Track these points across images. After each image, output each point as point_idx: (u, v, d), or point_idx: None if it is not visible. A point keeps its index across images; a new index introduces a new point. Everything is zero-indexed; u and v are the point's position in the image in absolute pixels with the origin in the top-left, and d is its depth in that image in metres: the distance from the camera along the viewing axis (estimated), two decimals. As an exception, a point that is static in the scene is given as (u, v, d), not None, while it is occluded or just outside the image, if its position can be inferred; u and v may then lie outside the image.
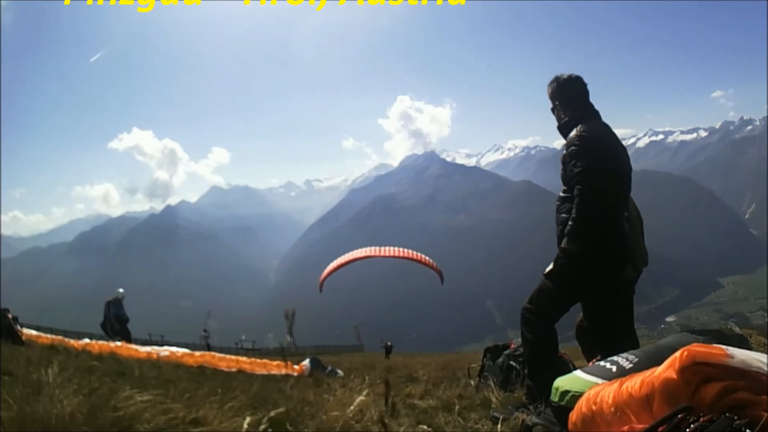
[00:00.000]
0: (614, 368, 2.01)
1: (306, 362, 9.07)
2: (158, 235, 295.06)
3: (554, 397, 2.13)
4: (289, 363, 9.06)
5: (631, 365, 1.97)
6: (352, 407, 1.96)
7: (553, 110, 3.35)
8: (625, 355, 2.09)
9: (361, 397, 1.98)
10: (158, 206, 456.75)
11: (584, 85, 3.27)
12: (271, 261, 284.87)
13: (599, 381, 1.96)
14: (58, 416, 1.82)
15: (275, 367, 8.84)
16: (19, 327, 9.26)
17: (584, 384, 2.01)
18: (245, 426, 1.66)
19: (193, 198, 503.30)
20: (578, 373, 2.14)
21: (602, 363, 2.13)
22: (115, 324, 13.91)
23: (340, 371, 9.10)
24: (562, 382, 2.13)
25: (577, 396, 1.99)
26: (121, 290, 14.62)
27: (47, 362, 2.67)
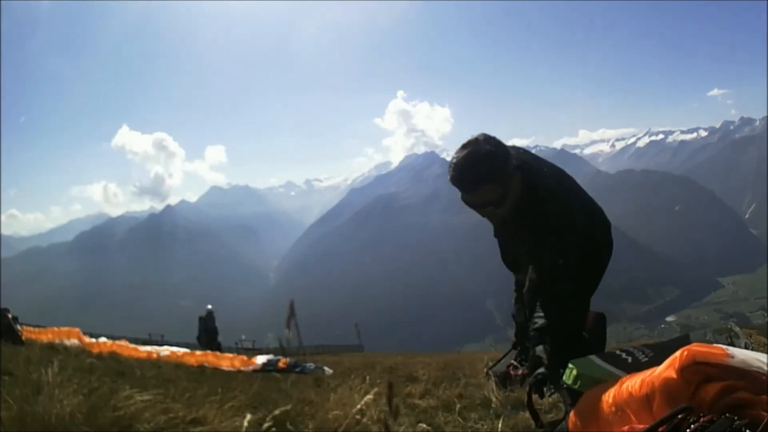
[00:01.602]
0: (629, 359, 2.00)
1: (260, 358, 9.91)
2: (158, 234, 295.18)
3: (568, 379, 2.12)
4: (247, 358, 9.95)
5: (646, 359, 1.96)
6: (356, 408, 1.96)
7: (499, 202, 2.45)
8: (641, 348, 2.08)
9: (368, 396, 1.99)
10: (158, 206, 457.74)
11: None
12: (271, 261, 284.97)
13: (613, 369, 1.96)
14: (58, 416, 1.82)
15: (239, 362, 9.63)
16: (19, 327, 9.28)
17: (598, 370, 2.01)
18: (245, 425, 1.67)
19: (192, 198, 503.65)
20: (594, 358, 2.13)
21: (618, 352, 2.12)
22: (204, 336, 14.95)
23: (327, 368, 9.23)
24: (577, 366, 2.13)
25: (589, 380, 2.00)
26: (209, 306, 15.79)
27: (47, 362, 2.67)
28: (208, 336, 15.27)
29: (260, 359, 9.87)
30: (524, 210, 2.47)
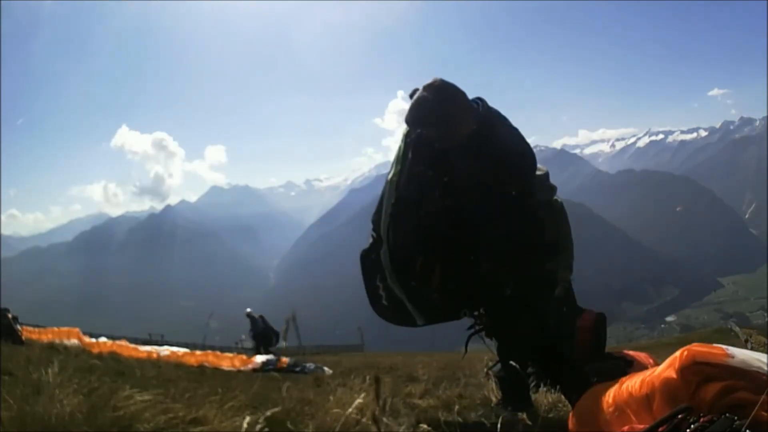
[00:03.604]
0: None
1: (259, 357, 10.34)
2: (158, 235, 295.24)
3: None
4: (246, 357, 10.34)
5: None
6: (354, 405, 1.96)
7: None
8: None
9: (359, 400, 1.99)
10: (158, 206, 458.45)
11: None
12: (271, 260, 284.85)
13: None
14: (58, 416, 1.82)
15: (239, 361, 9.84)
16: (19, 327, 9.28)
17: None
18: (245, 426, 1.66)
19: (192, 198, 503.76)
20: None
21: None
22: (259, 339, 15.05)
23: (327, 368, 9.28)
24: None
25: None
26: (248, 309, 15.91)
27: (47, 362, 2.66)
28: (260, 339, 15.12)
29: (259, 358, 9.98)
30: (475, 139, 2.61)
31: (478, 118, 2.62)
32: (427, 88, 2.58)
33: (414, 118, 2.64)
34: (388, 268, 2.77)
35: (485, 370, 4.06)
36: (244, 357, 10.67)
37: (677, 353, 1.56)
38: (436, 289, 2.73)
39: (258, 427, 1.70)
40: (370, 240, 2.90)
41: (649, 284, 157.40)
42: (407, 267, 2.76)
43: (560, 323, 2.98)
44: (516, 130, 2.69)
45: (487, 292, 2.74)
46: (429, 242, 2.72)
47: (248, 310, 15.85)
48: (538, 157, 2.81)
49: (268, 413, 1.76)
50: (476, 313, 2.90)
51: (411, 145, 2.78)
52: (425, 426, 2.03)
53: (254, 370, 9.11)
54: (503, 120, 2.71)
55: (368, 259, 2.88)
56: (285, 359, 9.79)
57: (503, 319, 2.77)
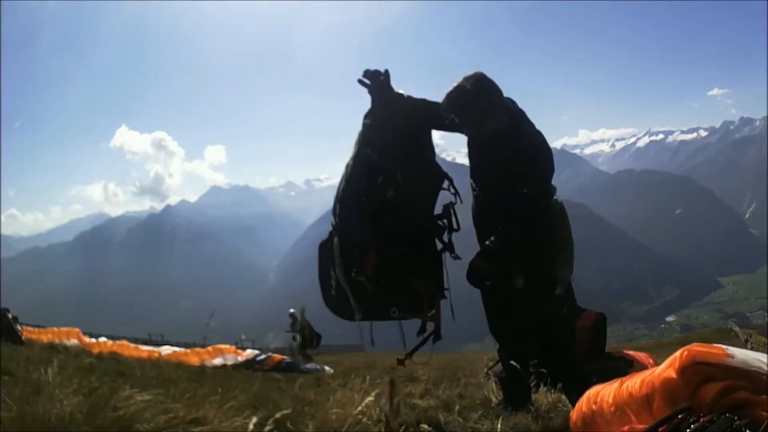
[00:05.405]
0: None
1: (251, 351, 10.65)
2: (158, 234, 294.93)
3: None
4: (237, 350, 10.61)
5: None
6: (359, 408, 1.96)
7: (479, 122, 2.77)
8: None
9: (369, 398, 1.99)
10: (158, 206, 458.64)
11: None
12: (271, 260, 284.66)
13: None
14: (58, 416, 1.82)
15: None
16: (19, 327, 9.28)
17: None
18: (251, 427, 1.66)
19: (192, 198, 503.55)
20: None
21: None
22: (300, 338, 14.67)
23: (327, 368, 9.28)
24: None
25: None
26: (291, 309, 15.45)
27: (47, 362, 2.66)
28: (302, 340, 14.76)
29: (248, 353, 10.03)
30: (502, 136, 2.72)
31: (509, 116, 2.73)
32: (466, 78, 2.67)
33: (447, 104, 2.72)
34: (337, 256, 2.74)
35: (485, 370, 4.07)
36: (233, 347, 10.80)
37: (677, 353, 1.56)
38: (369, 278, 2.68)
39: (266, 429, 1.70)
40: (330, 230, 2.83)
41: (649, 284, 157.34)
42: (350, 253, 2.71)
43: (560, 323, 2.98)
44: (539, 133, 2.79)
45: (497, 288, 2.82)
46: (368, 227, 2.71)
47: (291, 310, 15.61)
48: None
49: (278, 415, 1.76)
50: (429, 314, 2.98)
51: (364, 127, 2.80)
52: (425, 426, 2.03)
53: (246, 365, 9.13)
54: (529, 122, 2.79)
55: (324, 248, 2.83)
56: (276, 356, 9.80)
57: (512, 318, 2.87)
